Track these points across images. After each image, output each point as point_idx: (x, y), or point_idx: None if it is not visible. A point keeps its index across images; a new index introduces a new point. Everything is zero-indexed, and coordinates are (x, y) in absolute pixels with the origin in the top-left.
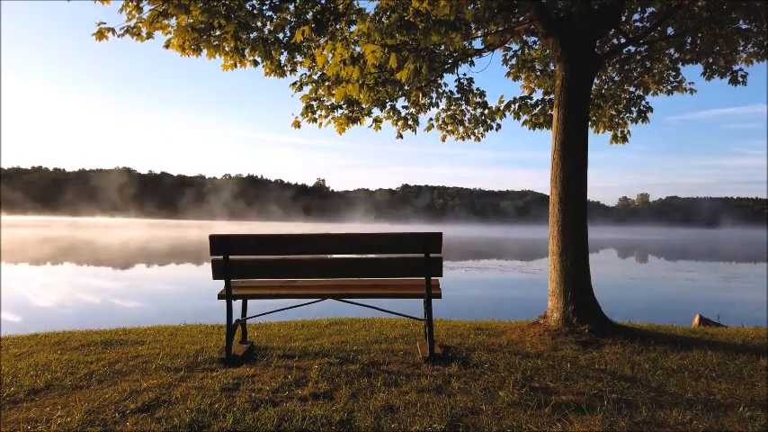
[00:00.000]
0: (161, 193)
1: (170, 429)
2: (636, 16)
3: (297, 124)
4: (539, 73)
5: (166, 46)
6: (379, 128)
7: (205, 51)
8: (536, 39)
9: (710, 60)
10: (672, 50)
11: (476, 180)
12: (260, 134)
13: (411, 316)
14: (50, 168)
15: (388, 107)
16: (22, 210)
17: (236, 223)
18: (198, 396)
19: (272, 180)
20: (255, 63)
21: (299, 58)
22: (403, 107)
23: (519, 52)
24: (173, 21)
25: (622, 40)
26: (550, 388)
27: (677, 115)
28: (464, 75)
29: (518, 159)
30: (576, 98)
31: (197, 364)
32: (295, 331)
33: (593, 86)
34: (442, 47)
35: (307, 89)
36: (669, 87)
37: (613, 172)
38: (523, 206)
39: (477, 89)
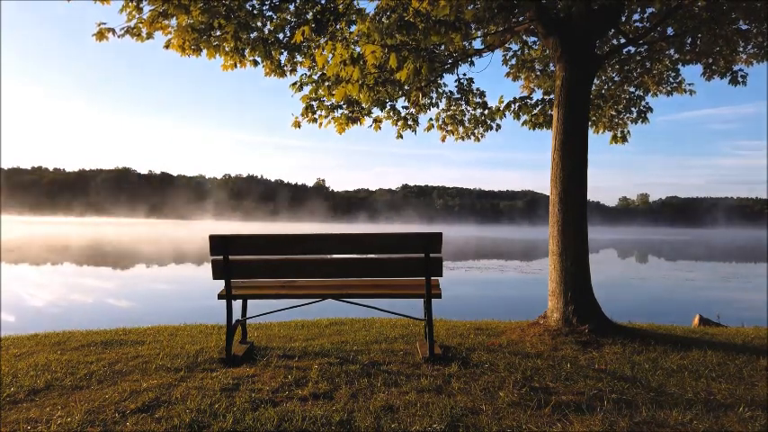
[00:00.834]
0: (161, 193)
1: (170, 429)
2: (636, 16)
3: (297, 124)
4: (539, 73)
5: (166, 46)
6: (379, 128)
7: (205, 51)
8: (536, 39)
9: (710, 61)
10: (672, 51)
11: (476, 180)
12: (260, 134)
13: (411, 316)
14: (50, 169)
15: (388, 107)
16: (20, 210)
17: (236, 223)
18: (198, 396)
19: (273, 180)
20: (255, 63)
21: (299, 59)
22: (403, 107)
23: (519, 52)
24: (173, 21)
25: (622, 41)
26: (550, 388)
27: (664, 116)
28: (464, 75)
29: (518, 159)
30: (576, 98)
31: (197, 365)
32: (295, 331)
33: (593, 86)
34: (442, 47)
35: (307, 89)
36: (669, 88)
37: (613, 172)
38: (523, 206)
39: (477, 89)
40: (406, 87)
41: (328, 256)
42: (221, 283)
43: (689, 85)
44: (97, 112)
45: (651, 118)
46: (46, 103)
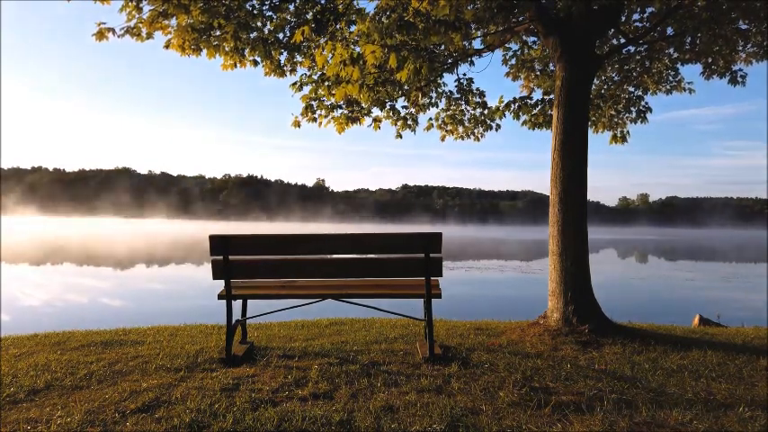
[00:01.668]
0: (161, 193)
1: (170, 429)
2: (636, 16)
3: (297, 124)
4: (538, 73)
5: (166, 46)
6: (379, 127)
7: (205, 51)
8: (536, 39)
9: (710, 60)
10: (671, 50)
11: (476, 180)
12: (260, 134)
13: (411, 316)
14: (50, 169)
15: (388, 107)
16: (20, 210)
17: (236, 223)
18: (198, 396)
19: (273, 180)
20: (255, 63)
21: (298, 58)
22: (403, 107)
23: (519, 52)
24: (173, 21)
25: (622, 40)
26: (550, 388)
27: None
28: (464, 75)
29: (518, 159)
30: (576, 98)
31: (197, 365)
32: (295, 331)
33: (593, 86)
34: (442, 47)
35: (307, 89)
36: (668, 87)
37: (613, 172)
38: (523, 206)
39: (477, 89)
40: (405, 87)
41: (328, 256)
42: (221, 283)
43: (688, 83)
44: (97, 111)
45: (650, 117)
46: (46, 103)
